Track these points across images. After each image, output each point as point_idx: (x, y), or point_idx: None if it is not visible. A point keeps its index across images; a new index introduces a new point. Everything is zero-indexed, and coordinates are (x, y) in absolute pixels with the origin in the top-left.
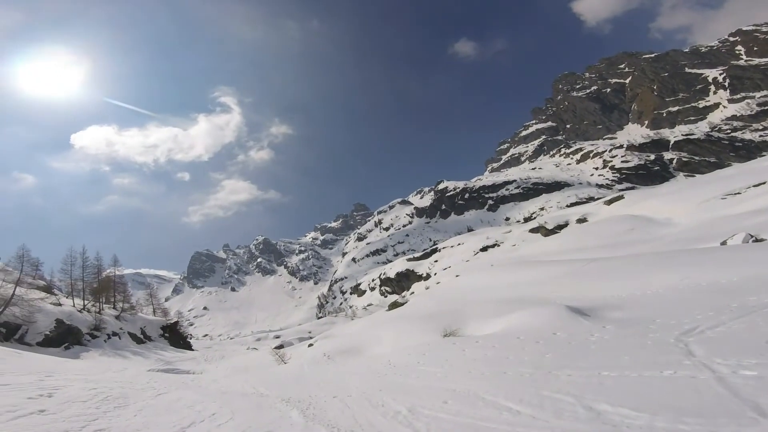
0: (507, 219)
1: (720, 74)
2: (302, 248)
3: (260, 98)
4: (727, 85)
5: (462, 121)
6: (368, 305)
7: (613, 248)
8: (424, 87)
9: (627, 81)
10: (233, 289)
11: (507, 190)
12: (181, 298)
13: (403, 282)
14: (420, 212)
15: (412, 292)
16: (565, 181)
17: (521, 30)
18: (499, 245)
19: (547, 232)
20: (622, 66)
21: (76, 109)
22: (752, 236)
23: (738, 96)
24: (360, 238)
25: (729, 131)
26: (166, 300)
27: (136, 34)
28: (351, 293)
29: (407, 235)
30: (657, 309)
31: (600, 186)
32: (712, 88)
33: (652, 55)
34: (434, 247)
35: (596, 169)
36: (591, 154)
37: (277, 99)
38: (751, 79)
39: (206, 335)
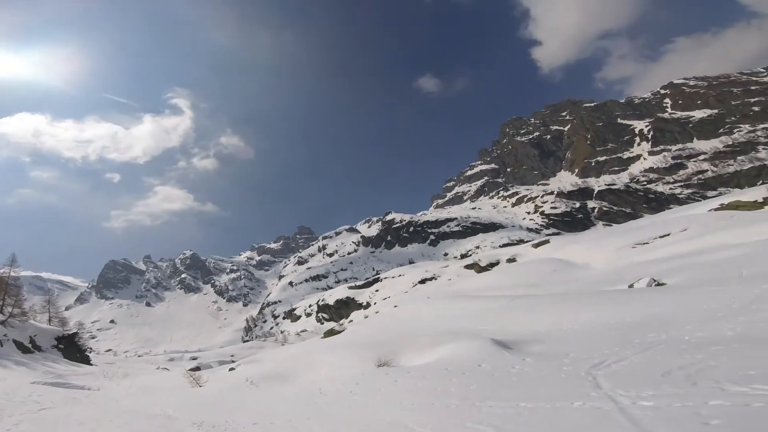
0: (445, 254)
1: (646, 126)
2: (234, 267)
3: (217, 105)
4: (650, 137)
5: (417, 154)
6: (302, 331)
7: (537, 287)
8: (385, 117)
9: (566, 129)
10: (149, 304)
11: (448, 227)
12: (85, 309)
13: (342, 309)
14: (366, 241)
15: (351, 320)
16: (500, 223)
17: (483, 72)
18: (436, 279)
19: (480, 269)
20: (564, 114)
21: (4, 92)
22: (655, 281)
23: (658, 148)
24: (301, 262)
25: (645, 183)
26: (67, 309)
27: (95, 20)
28: (284, 318)
29: (351, 263)
30: (571, 344)
31: (530, 230)
32: (638, 139)
33: (592, 104)
34: (377, 276)
35: (528, 213)
36: (525, 199)
37: (235, 108)
38: (671, 132)
39: (109, 350)
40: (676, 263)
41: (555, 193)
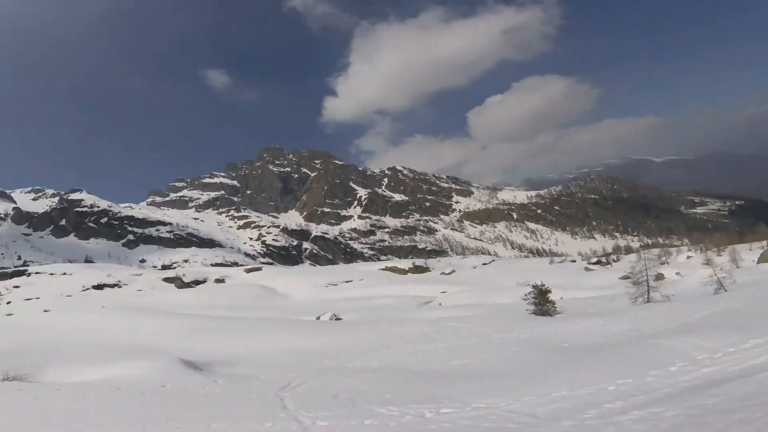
0: (143, 261)
1: (365, 195)
2: None
3: None
4: (363, 205)
5: (158, 140)
6: None
7: (241, 310)
8: (149, 88)
9: (312, 175)
10: None
11: (158, 230)
12: None
13: None
14: (23, 217)
15: None
16: (220, 242)
17: (276, 93)
18: (121, 287)
19: (182, 284)
20: (318, 162)
21: None
22: (336, 315)
23: (365, 215)
24: None
25: (348, 239)
26: None
27: None
28: None
29: None
30: (263, 366)
31: (248, 255)
32: (356, 203)
33: (340, 163)
34: (24, 268)
35: (251, 239)
36: (253, 225)
37: None
38: (377, 205)
39: None
40: (352, 304)
41: (281, 227)
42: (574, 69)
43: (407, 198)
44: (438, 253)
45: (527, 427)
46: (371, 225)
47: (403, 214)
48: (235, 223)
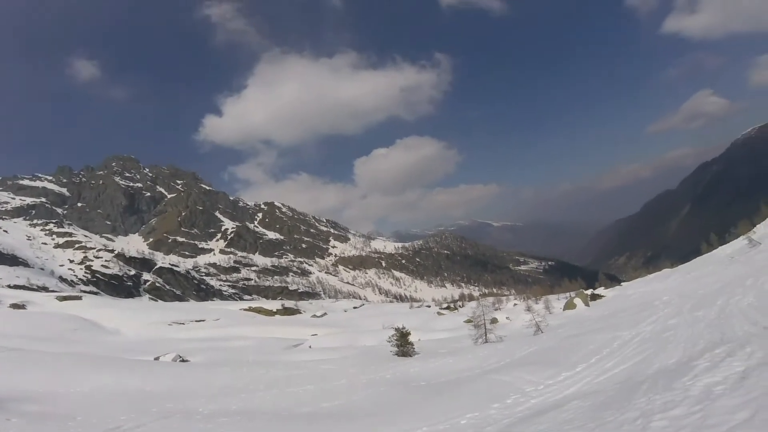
0: None
1: (232, 228)
2: None
3: None
4: (228, 238)
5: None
6: None
7: (47, 343)
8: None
9: (169, 197)
10: None
11: None
12: None
13: None
14: None
15: None
16: (26, 260)
17: (154, 99)
18: None
19: None
20: (180, 183)
21: None
22: (181, 357)
23: (229, 249)
24: None
25: (204, 274)
26: None
27: None
28: None
29: None
30: (81, 407)
31: (64, 279)
32: (219, 236)
33: (208, 188)
34: None
35: (72, 261)
36: (77, 245)
37: None
38: (245, 241)
39: None
40: (203, 344)
41: (116, 252)
42: (446, 134)
43: (283, 237)
44: (310, 295)
45: None
46: (235, 261)
47: (276, 253)
48: (53, 240)
